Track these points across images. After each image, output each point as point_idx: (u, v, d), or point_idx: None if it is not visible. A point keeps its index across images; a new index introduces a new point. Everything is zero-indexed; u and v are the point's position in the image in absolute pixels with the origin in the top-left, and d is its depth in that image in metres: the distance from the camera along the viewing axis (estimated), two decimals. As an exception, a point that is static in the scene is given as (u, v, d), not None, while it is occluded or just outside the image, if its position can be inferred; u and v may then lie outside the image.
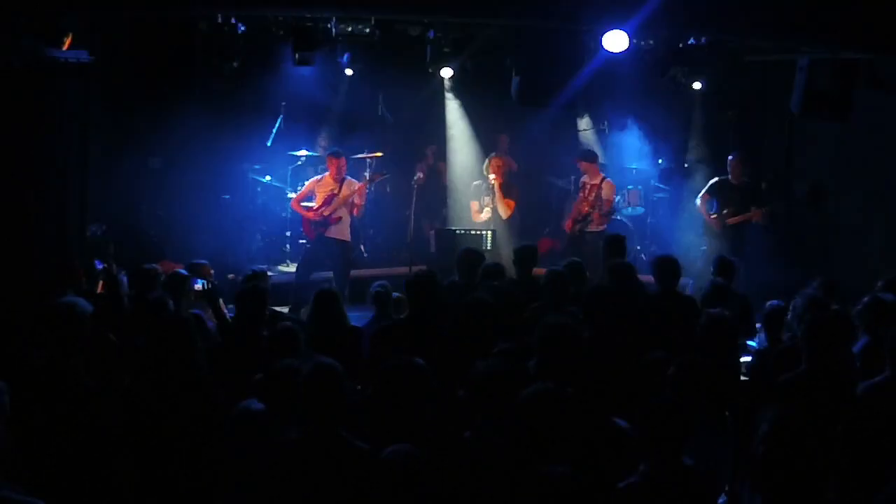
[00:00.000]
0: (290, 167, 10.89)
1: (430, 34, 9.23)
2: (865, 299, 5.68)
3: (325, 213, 9.12)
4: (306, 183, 9.61)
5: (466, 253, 7.05)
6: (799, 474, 4.53)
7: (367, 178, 10.03)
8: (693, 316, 5.67)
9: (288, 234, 10.99)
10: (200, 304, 6.36)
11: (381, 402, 4.08)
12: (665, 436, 3.66)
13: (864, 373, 5.09)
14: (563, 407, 3.75)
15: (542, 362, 4.43)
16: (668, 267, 6.51)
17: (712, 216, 9.49)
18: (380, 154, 11.33)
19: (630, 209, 11.37)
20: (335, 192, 9.10)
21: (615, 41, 7.56)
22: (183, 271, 6.65)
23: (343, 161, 9.21)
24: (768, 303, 6.30)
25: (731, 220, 9.45)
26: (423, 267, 9.28)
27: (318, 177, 9.41)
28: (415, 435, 3.74)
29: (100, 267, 7.40)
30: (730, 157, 9.67)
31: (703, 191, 9.66)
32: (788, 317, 5.89)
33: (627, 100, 11.11)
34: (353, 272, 10.32)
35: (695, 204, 9.80)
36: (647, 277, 7.44)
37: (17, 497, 3.09)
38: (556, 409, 3.72)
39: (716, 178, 9.68)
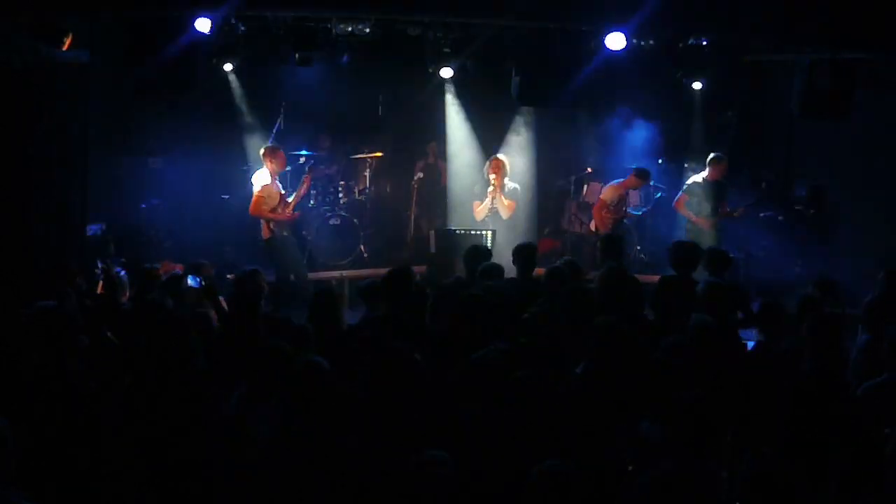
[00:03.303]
0: (289, 167, 10.89)
1: (430, 34, 9.24)
2: (868, 297, 5.69)
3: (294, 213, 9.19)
4: (261, 188, 8.87)
5: (473, 249, 7.09)
6: (798, 474, 4.53)
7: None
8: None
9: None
10: (202, 304, 6.36)
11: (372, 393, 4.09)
12: (691, 433, 3.66)
13: (865, 371, 5.10)
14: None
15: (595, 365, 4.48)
16: (684, 253, 6.56)
17: (701, 217, 9.51)
18: (380, 154, 11.32)
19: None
20: (283, 191, 9.12)
21: (614, 41, 7.59)
22: (179, 271, 6.65)
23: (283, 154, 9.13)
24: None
25: (740, 213, 9.68)
26: (424, 267, 9.36)
27: (267, 179, 8.92)
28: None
29: (100, 267, 7.41)
30: (716, 156, 9.67)
31: (682, 193, 9.67)
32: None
33: (627, 100, 11.10)
34: (354, 272, 10.33)
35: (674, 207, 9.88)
36: (647, 277, 7.46)
37: (17, 502, 3.08)
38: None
39: (692, 179, 9.69)
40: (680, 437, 3.67)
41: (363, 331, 5.46)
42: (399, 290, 5.66)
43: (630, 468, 4.03)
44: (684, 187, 9.71)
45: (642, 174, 9.96)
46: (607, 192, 10.04)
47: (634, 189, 10.35)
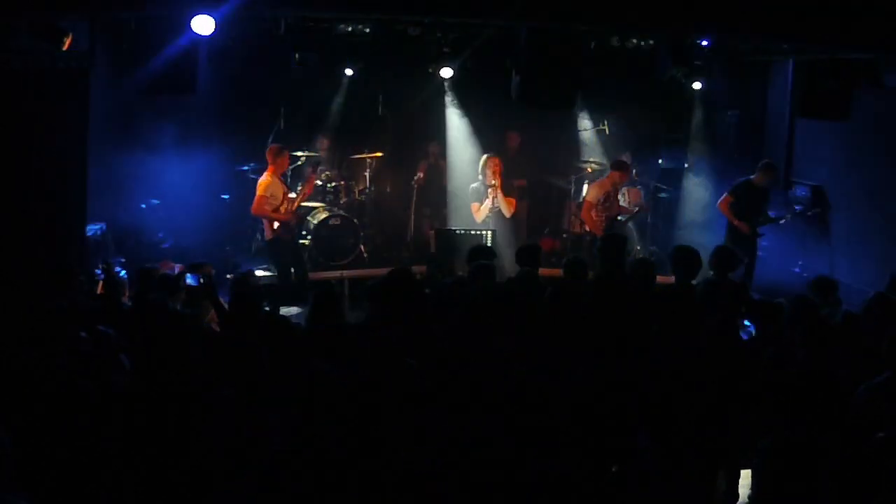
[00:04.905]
0: (290, 167, 10.89)
1: (430, 34, 9.24)
2: (871, 296, 5.70)
3: (297, 213, 9.21)
4: (264, 188, 8.87)
5: (476, 249, 7.10)
6: (796, 474, 4.52)
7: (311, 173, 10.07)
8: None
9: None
10: (198, 303, 6.37)
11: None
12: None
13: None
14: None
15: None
16: (685, 259, 6.56)
17: (742, 221, 9.43)
18: (380, 154, 11.32)
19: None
20: (286, 190, 9.12)
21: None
22: (172, 271, 6.68)
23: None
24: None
25: (785, 220, 9.89)
26: (423, 267, 9.37)
27: (270, 179, 8.91)
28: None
29: (100, 267, 7.41)
30: (768, 162, 9.59)
31: (727, 194, 9.52)
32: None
33: (627, 100, 11.10)
34: (354, 272, 10.33)
35: (710, 206, 9.95)
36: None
37: (17, 502, 3.08)
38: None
39: (740, 181, 9.54)
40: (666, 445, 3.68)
41: (359, 331, 5.50)
42: (399, 292, 5.64)
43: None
44: (731, 188, 9.55)
45: (619, 166, 9.82)
46: (591, 191, 9.92)
47: (619, 183, 9.97)
